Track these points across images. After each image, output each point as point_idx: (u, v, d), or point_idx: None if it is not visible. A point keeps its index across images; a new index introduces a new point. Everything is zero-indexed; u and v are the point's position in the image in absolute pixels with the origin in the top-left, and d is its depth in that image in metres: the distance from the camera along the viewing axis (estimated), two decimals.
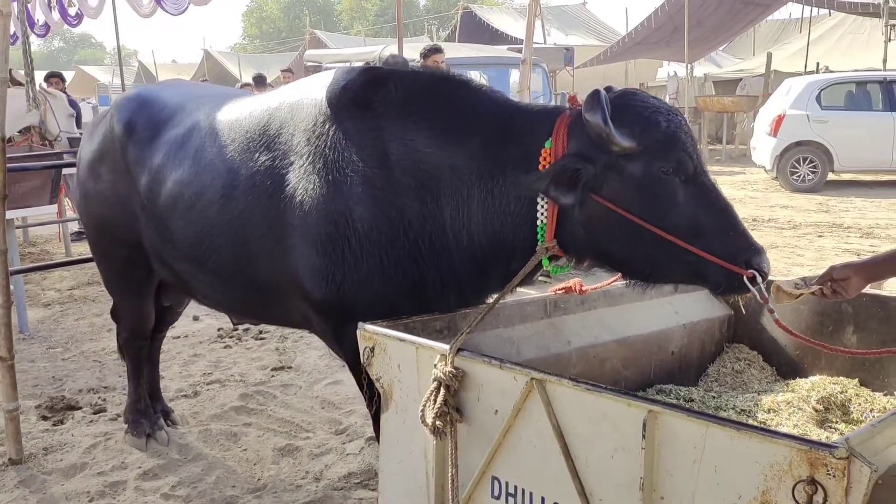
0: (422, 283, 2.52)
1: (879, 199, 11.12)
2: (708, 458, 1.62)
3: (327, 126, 2.55)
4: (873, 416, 3.06)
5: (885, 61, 15.40)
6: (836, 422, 3.10)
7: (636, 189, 2.22)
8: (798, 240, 8.68)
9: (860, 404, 3.15)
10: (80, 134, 9.39)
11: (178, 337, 5.44)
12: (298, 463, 3.56)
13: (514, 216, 2.38)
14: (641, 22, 20.35)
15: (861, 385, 3.28)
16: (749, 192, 12.35)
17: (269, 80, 12.97)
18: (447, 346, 2.11)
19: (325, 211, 2.49)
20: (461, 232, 2.46)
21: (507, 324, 2.79)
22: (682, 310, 3.39)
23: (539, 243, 2.33)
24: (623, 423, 1.75)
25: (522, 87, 4.71)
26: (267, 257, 2.68)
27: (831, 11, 20.19)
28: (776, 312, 2.34)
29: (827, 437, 2.87)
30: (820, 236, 8.85)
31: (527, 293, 3.29)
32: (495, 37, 22.90)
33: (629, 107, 2.26)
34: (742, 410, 3.13)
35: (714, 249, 2.19)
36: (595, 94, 2.21)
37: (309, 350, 5.13)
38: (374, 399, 2.43)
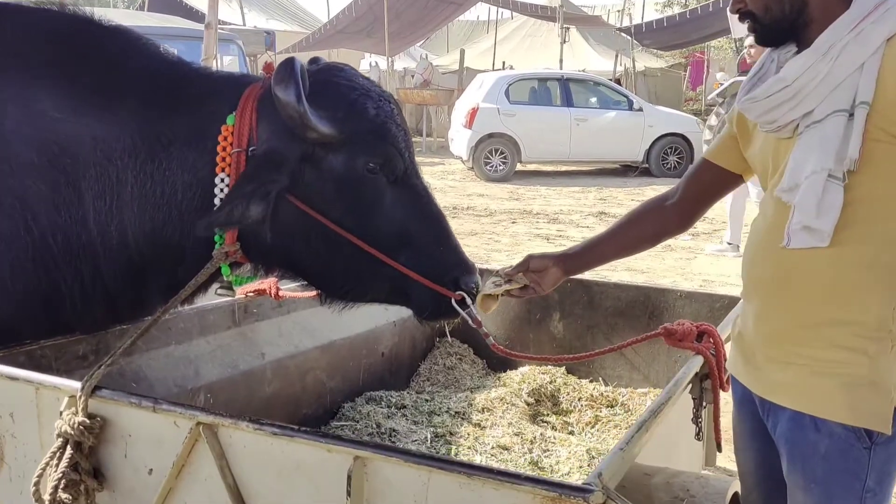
0: (54, 295, 1.87)
1: (560, 188, 12.08)
2: None
3: None
4: (582, 405, 3.02)
5: (561, 61, 16.91)
6: (548, 414, 3.03)
7: (334, 187, 1.84)
8: (494, 226, 9.04)
9: (569, 393, 3.12)
10: None
11: None
12: None
13: (183, 209, 1.84)
14: (343, 10, 20.29)
15: (568, 373, 3.26)
16: (448, 181, 12.75)
17: None
18: (78, 385, 1.52)
19: None
20: (109, 227, 1.87)
21: (181, 339, 2.24)
22: (393, 306, 3.10)
23: (217, 246, 1.82)
24: (322, 474, 1.32)
25: (208, 55, 4.00)
26: None
27: (514, 14, 21.86)
28: (491, 337, 1.99)
29: (542, 436, 2.74)
30: (513, 222, 9.31)
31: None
32: (190, 14, 21.34)
33: (333, 85, 1.85)
34: (456, 413, 2.95)
35: (420, 265, 1.87)
36: (289, 64, 1.74)
37: None
38: None
